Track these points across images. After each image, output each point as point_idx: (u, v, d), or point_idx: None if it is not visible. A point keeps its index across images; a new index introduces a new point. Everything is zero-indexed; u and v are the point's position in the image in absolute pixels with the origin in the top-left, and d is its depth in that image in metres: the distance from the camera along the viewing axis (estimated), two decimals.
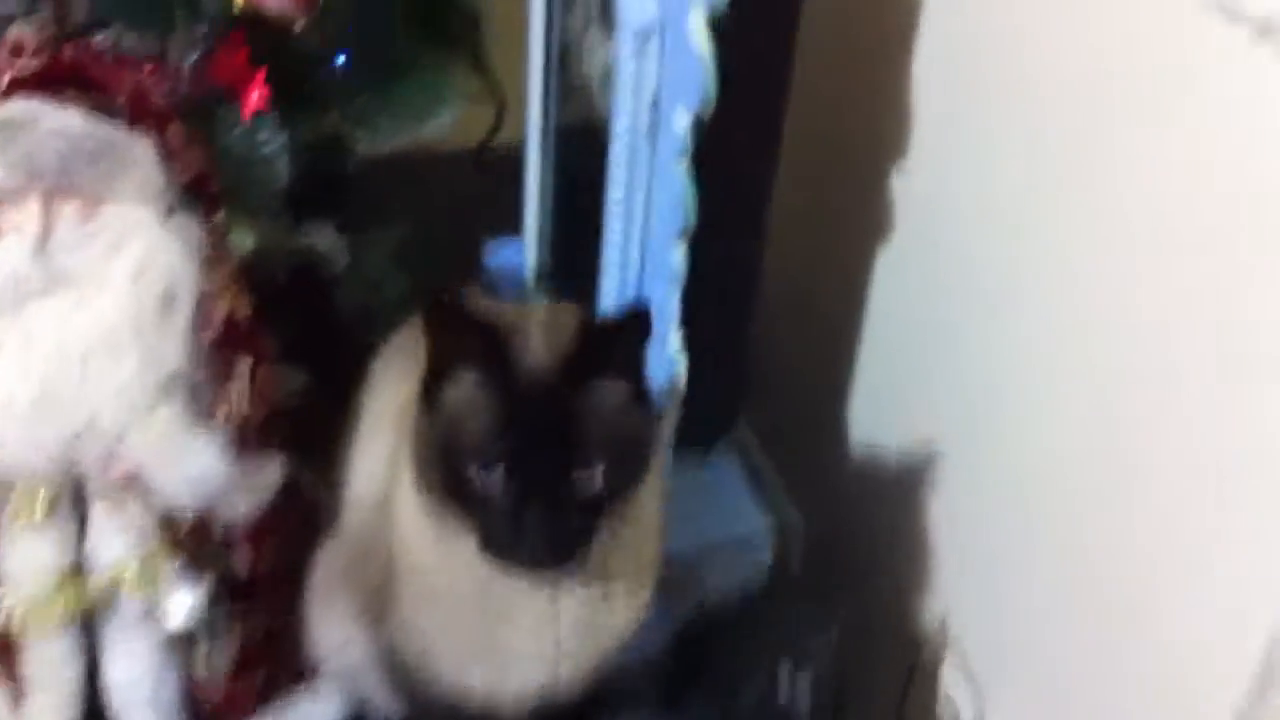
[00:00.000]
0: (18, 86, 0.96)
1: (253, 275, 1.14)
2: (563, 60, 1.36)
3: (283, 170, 1.24)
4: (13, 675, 1.08)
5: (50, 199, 0.95)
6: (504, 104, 1.46)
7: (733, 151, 1.16)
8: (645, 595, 1.06)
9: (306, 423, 1.20)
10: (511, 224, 1.52)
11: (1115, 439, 1.16)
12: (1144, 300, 1.08)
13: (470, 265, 1.56)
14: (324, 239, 1.37)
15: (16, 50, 0.95)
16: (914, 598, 1.53)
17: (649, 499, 1.02)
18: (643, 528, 1.03)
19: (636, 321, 0.93)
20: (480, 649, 1.03)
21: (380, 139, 1.30)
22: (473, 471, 0.90)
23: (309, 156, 1.29)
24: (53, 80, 0.97)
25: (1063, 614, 1.28)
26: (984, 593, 1.43)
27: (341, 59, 1.26)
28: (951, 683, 1.46)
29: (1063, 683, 1.30)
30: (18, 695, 1.08)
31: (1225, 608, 1.04)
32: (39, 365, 0.95)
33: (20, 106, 0.94)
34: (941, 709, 1.47)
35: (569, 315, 0.98)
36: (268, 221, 1.27)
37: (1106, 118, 1.08)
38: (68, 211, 0.96)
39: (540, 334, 0.93)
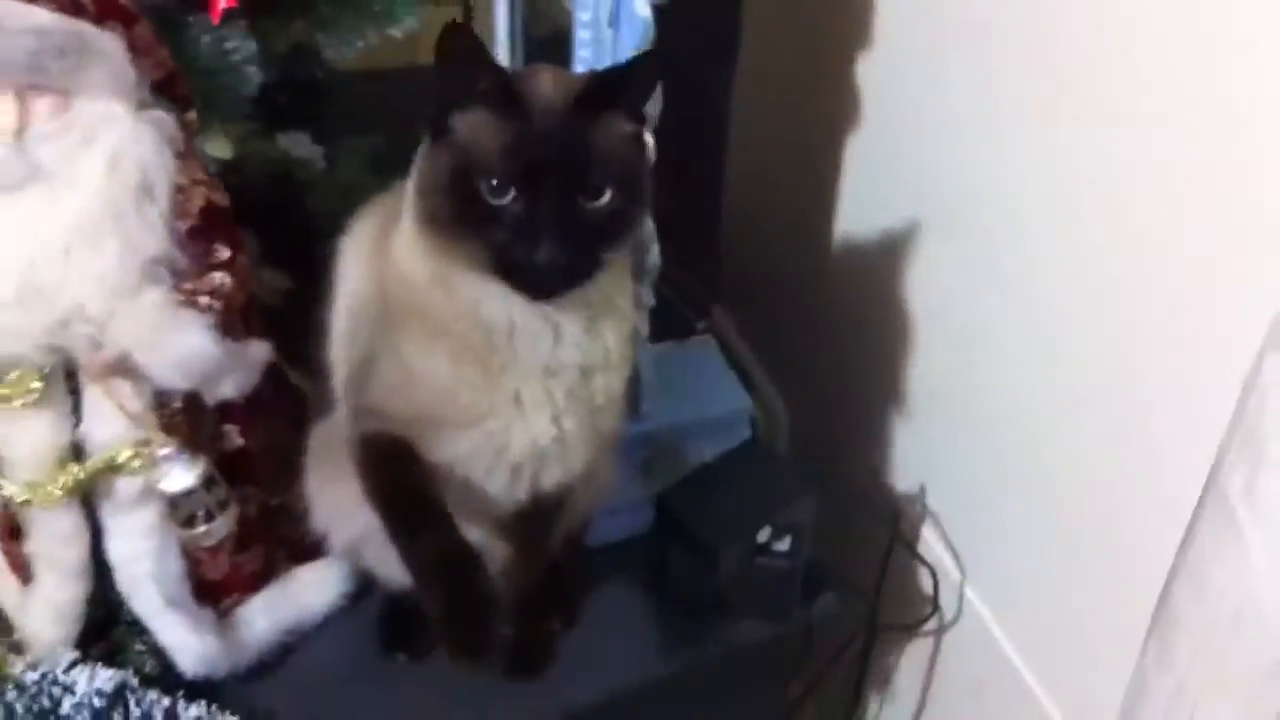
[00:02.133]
0: None
1: (230, 181, 1.17)
2: None
3: (253, 77, 1.25)
4: (20, 559, 1.13)
5: (23, 94, 0.99)
6: (470, 7, 1.47)
7: (693, 43, 1.18)
8: (626, 370, 1.09)
9: (287, 323, 1.23)
10: None
11: (1100, 307, 1.20)
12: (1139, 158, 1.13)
13: None
14: (300, 146, 1.40)
15: None
16: (894, 471, 1.57)
17: (621, 272, 1.07)
18: (621, 291, 1.07)
19: (645, 66, 0.99)
20: (478, 402, 1.03)
21: (346, 44, 1.32)
22: (485, 190, 0.94)
23: (282, 65, 1.31)
24: None
25: (1040, 480, 1.33)
26: (961, 464, 1.48)
27: None
28: (931, 551, 1.51)
29: (1040, 546, 1.34)
30: (26, 578, 1.13)
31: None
32: (19, 257, 0.99)
33: None
34: (921, 577, 1.52)
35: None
36: (242, 129, 1.29)
37: None
38: (40, 106, 0.99)
39: (551, 77, 0.98)
